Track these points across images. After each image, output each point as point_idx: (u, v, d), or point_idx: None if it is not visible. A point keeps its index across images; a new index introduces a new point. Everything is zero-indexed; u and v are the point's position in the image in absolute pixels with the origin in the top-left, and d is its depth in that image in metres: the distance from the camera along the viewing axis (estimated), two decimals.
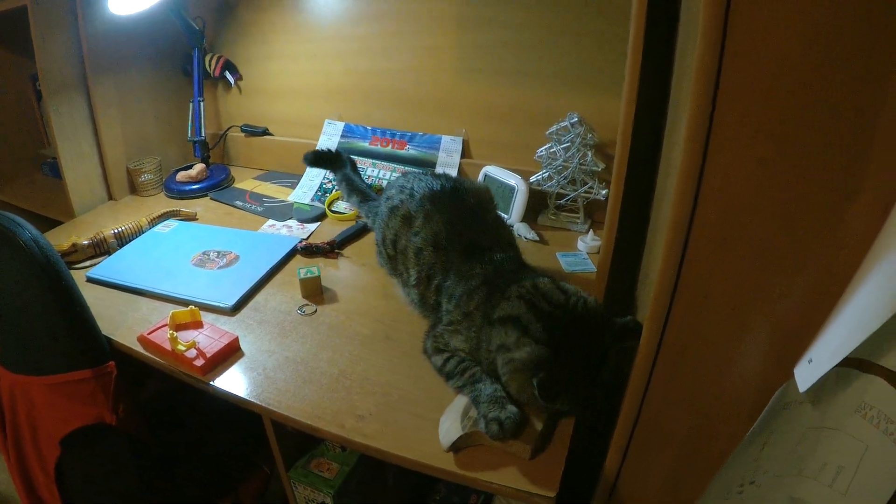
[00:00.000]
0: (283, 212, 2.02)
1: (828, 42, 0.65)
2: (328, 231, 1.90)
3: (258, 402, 1.20)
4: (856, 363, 0.76)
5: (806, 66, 0.67)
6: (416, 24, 1.97)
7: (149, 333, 1.34)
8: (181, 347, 1.26)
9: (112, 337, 1.38)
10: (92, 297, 1.46)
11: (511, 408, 1.09)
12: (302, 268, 1.54)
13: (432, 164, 2.04)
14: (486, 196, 1.57)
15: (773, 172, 0.74)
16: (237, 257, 1.68)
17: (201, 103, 2.20)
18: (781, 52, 0.67)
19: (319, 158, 2.00)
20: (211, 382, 1.25)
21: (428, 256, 1.40)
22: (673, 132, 1.00)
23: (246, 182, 2.26)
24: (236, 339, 1.33)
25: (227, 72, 2.28)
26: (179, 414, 1.86)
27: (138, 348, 1.35)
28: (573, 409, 1.12)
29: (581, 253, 1.74)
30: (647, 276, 1.13)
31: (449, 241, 1.39)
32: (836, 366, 0.75)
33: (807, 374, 0.80)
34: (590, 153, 1.75)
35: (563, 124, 1.76)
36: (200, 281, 1.58)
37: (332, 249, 1.75)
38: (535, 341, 1.10)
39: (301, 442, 1.45)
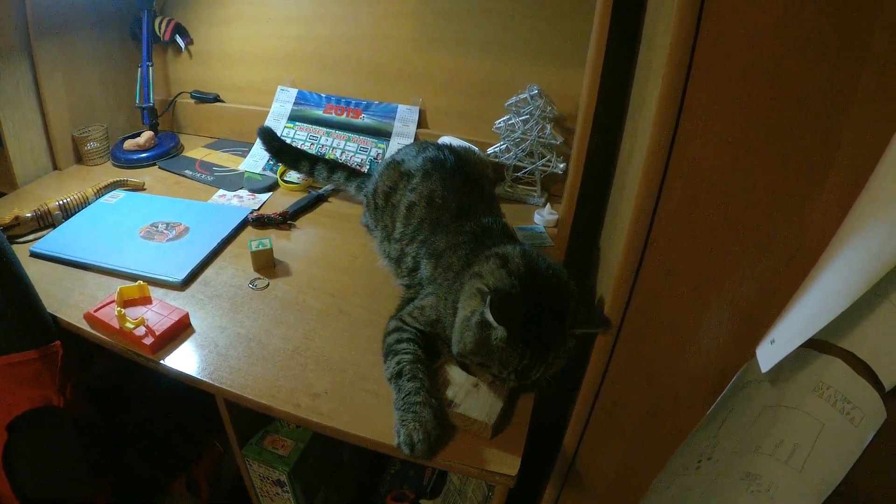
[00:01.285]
0: (233, 181, 1.97)
1: (801, 24, 0.64)
2: (280, 202, 1.86)
3: (210, 382, 1.17)
4: (814, 344, 0.76)
5: (778, 48, 0.66)
6: None
7: (95, 311, 1.29)
8: (129, 325, 1.22)
9: (57, 315, 1.33)
10: (36, 272, 1.40)
11: (426, 424, 1.04)
12: (254, 240, 1.51)
13: (388, 134, 2.01)
14: (484, 168, 1.64)
15: (741, 154, 0.74)
16: (187, 229, 1.64)
17: (150, 68, 2.12)
18: (755, 32, 0.67)
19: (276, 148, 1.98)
20: (161, 361, 1.22)
21: (420, 211, 1.40)
22: (639, 107, 0.98)
23: (196, 150, 2.20)
24: (186, 316, 1.30)
25: (177, 36, 2.20)
26: (127, 393, 1.82)
27: (85, 327, 1.30)
28: (512, 358, 1.05)
29: (538, 226, 1.73)
30: (608, 252, 1.13)
31: (444, 199, 1.39)
32: None
33: (769, 354, 0.80)
34: (549, 126, 1.73)
35: (522, 96, 1.74)
36: (149, 254, 1.53)
37: (284, 220, 1.71)
38: (509, 274, 1.08)
39: (255, 418, 1.42)
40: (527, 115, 1.73)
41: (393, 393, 1.12)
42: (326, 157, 1.96)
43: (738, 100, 0.71)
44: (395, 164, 1.55)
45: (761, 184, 0.74)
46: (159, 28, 2.17)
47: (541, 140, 1.75)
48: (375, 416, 1.10)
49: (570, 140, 1.80)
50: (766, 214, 0.76)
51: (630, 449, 1.10)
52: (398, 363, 1.14)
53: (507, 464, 1.03)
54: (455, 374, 1.18)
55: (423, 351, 1.19)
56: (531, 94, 1.72)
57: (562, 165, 1.76)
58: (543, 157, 1.77)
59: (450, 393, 1.13)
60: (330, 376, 1.19)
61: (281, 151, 1.95)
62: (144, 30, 2.08)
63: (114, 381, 1.79)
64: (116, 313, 1.24)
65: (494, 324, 1.01)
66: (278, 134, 2.05)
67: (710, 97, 0.72)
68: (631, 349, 0.97)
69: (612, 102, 1.31)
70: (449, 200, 1.39)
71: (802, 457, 0.79)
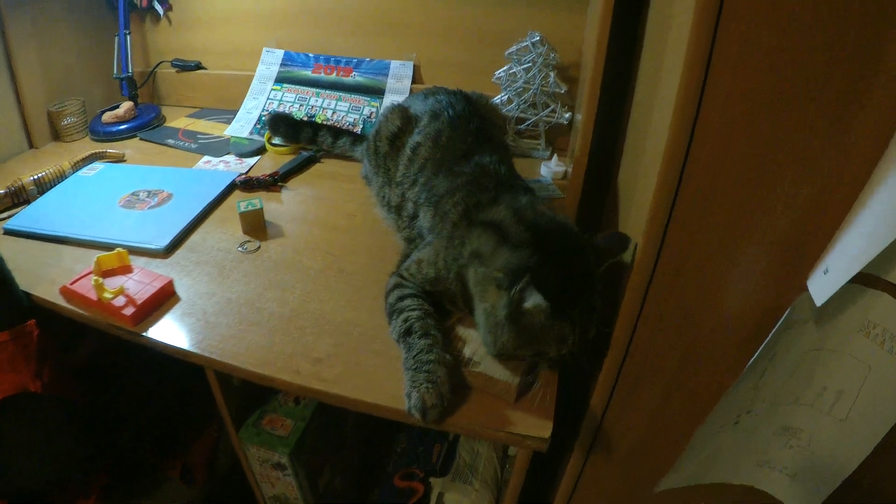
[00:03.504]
0: (219, 147, 1.86)
1: None
2: (269, 165, 1.75)
3: (198, 352, 1.06)
4: (861, 278, 0.68)
5: None
6: None
7: (72, 284, 1.18)
8: (108, 295, 1.11)
9: (31, 292, 1.22)
10: (10, 250, 1.30)
11: (441, 385, 0.92)
12: (242, 201, 1.39)
13: (381, 91, 1.91)
14: (496, 117, 1.52)
15: (782, 67, 0.65)
16: (170, 196, 1.53)
17: (127, 36, 2.01)
18: None
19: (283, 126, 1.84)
20: (144, 333, 1.10)
21: (424, 151, 1.30)
22: (664, 29, 0.89)
23: (178, 120, 2.09)
24: (170, 283, 1.19)
25: (155, 1, 2.09)
26: (119, 373, 1.71)
27: (61, 302, 1.19)
28: (567, 327, 0.92)
29: (546, 178, 1.63)
30: (631, 191, 1.03)
31: (450, 140, 1.28)
32: None
33: (823, 285, 0.70)
34: (552, 74, 1.63)
35: (523, 44, 1.64)
36: (129, 223, 1.42)
37: (274, 182, 1.60)
38: (513, 247, 0.95)
39: (250, 397, 1.33)
40: (528, 63, 1.63)
41: (402, 352, 1.00)
42: (328, 124, 1.86)
43: (779, 13, 0.63)
44: (401, 108, 1.45)
45: (803, 104, 0.66)
46: None
47: (544, 89, 1.64)
48: (385, 379, 0.99)
49: (573, 89, 1.71)
50: (808, 136, 0.68)
51: (663, 405, 1.00)
52: (405, 320, 1.03)
53: (536, 426, 0.92)
54: (469, 332, 1.06)
55: (431, 305, 1.07)
56: (532, 41, 1.62)
57: (567, 115, 1.66)
58: (547, 106, 1.67)
59: (467, 351, 1.01)
60: (332, 339, 1.08)
61: (281, 127, 1.84)
62: None
63: (104, 361, 1.68)
64: (93, 283, 1.12)
65: (540, 302, 0.87)
66: (266, 98, 1.99)
67: (750, 7, 0.63)
68: (663, 296, 0.86)
69: (621, 34, 1.22)
70: (455, 141, 1.28)
71: (847, 405, 0.74)
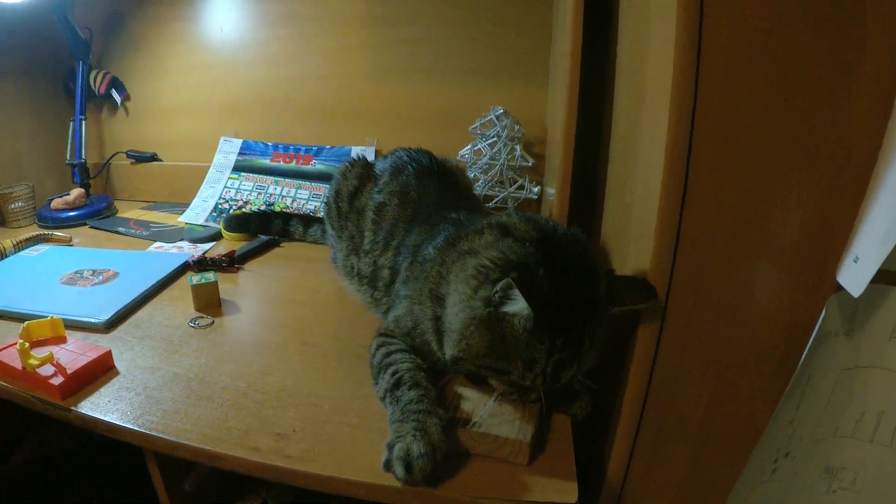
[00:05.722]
0: (172, 234, 1.77)
1: None
2: (225, 251, 1.63)
3: (134, 428, 0.91)
4: (885, 276, 0.63)
5: None
6: (321, 25, 1.84)
7: None
8: (33, 362, 0.98)
9: None
10: None
11: (431, 435, 0.79)
12: (194, 275, 1.29)
13: None
14: (466, 179, 1.41)
15: (773, 46, 0.66)
16: (116, 274, 1.41)
17: (83, 122, 1.95)
18: None
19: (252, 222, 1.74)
20: (73, 408, 0.95)
21: (391, 211, 1.20)
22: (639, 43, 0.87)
23: (131, 212, 1.99)
24: (108, 353, 1.05)
25: (112, 90, 2.06)
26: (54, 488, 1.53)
27: None
28: (552, 349, 0.79)
29: None
30: (620, 238, 0.98)
31: (421, 193, 1.19)
32: None
33: (856, 275, 0.65)
34: (518, 147, 1.59)
35: (486, 118, 1.61)
36: (69, 298, 1.30)
37: (231, 263, 1.49)
38: (517, 241, 0.84)
39: None
40: (493, 137, 1.60)
41: (388, 410, 0.87)
42: (298, 213, 1.79)
43: None
44: (358, 162, 1.38)
45: (797, 74, 0.65)
46: (94, 81, 2.03)
47: (510, 163, 1.60)
48: (365, 452, 0.84)
49: (541, 165, 1.68)
50: (808, 111, 0.66)
51: (695, 457, 0.87)
52: (394, 373, 0.91)
53: (558, 490, 0.78)
54: (467, 390, 0.94)
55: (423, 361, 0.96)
56: (496, 114, 1.59)
57: (536, 189, 1.61)
58: (515, 182, 1.62)
59: (465, 408, 0.88)
60: (298, 412, 0.94)
61: (251, 224, 1.74)
62: (78, 80, 1.93)
63: (40, 473, 1.50)
64: (18, 348, 0.99)
65: (523, 308, 0.76)
66: (223, 187, 1.92)
67: None
68: (681, 326, 0.79)
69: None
70: (429, 192, 1.19)
71: (891, 427, 0.63)
